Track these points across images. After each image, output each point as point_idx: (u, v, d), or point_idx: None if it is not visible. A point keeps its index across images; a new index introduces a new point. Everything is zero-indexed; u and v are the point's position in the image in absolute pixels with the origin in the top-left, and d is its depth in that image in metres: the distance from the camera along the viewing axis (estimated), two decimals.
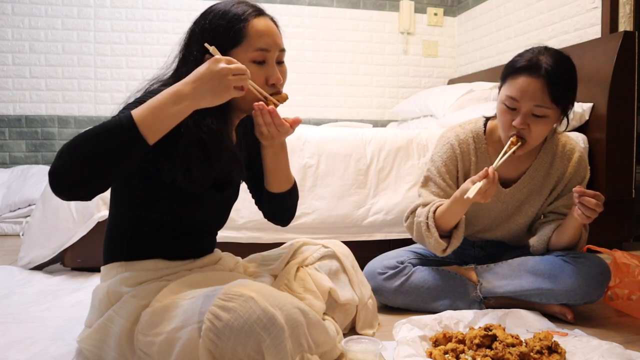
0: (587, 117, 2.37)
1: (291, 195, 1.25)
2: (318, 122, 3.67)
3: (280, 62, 1.09)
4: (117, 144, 0.86)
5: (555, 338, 1.22)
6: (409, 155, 2.11)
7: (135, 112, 0.87)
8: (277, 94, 1.08)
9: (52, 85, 3.45)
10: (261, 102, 1.03)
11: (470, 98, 2.87)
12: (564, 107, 1.39)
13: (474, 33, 3.81)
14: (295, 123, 1.09)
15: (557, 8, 2.91)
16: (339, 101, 3.86)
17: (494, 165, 1.35)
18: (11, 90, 3.40)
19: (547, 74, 1.33)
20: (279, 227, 1.94)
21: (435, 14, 4.00)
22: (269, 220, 1.31)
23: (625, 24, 2.50)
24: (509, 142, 1.38)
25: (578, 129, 2.40)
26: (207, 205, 1.14)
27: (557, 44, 2.86)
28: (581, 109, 2.37)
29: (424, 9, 3.98)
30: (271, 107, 1.04)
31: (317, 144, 2.05)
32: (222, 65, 0.90)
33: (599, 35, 2.57)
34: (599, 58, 2.37)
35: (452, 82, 3.91)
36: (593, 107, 2.37)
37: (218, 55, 0.93)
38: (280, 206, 1.25)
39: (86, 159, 0.84)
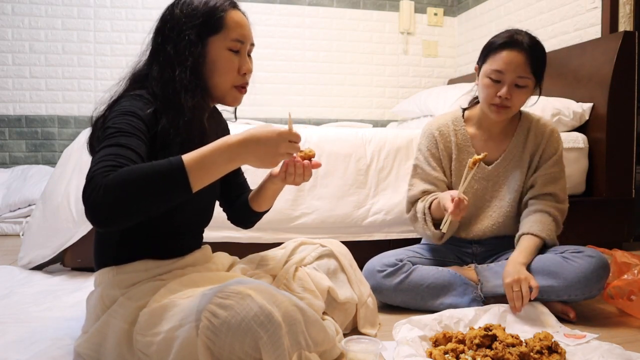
0: (587, 117, 2.37)
1: (266, 212, 1.35)
2: (318, 122, 3.66)
3: (249, 55, 1.16)
4: (165, 190, 0.87)
5: (570, 341, 1.23)
6: (409, 155, 2.11)
7: (187, 162, 0.89)
8: (242, 87, 1.14)
9: (52, 85, 3.45)
10: (295, 156, 1.12)
11: (470, 98, 2.86)
12: (539, 79, 1.55)
13: (474, 33, 3.81)
14: (316, 166, 1.16)
15: (557, 8, 2.91)
16: (339, 101, 3.86)
17: (458, 191, 1.43)
18: (11, 90, 3.40)
19: (528, 47, 1.50)
20: (278, 227, 1.97)
21: (435, 14, 4.00)
22: (233, 223, 1.39)
23: (625, 24, 2.50)
24: (467, 166, 1.42)
25: (578, 129, 2.39)
26: (189, 200, 1.14)
27: (557, 44, 2.86)
28: (581, 109, 2.37)
29: (424, 9, 3.98)
30: (306, 162, 1.13)
31: (317, 144, 2.05)
32: (285, 147, 0.94)
33: (599, 35, 2.57)
34: (599, 58, 2.37)
35: (452, 82, 3.90)
36: (593, 107, 2.37)
37: (291, 130, 0.95)
38: (254, 219, 1.36)
39: (133, 200, 0.85)
